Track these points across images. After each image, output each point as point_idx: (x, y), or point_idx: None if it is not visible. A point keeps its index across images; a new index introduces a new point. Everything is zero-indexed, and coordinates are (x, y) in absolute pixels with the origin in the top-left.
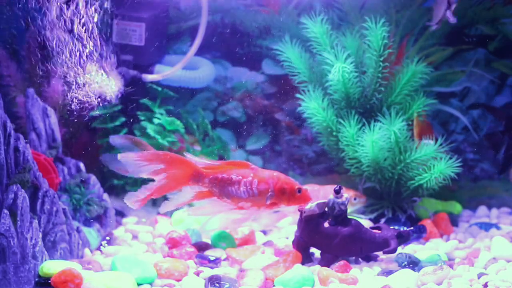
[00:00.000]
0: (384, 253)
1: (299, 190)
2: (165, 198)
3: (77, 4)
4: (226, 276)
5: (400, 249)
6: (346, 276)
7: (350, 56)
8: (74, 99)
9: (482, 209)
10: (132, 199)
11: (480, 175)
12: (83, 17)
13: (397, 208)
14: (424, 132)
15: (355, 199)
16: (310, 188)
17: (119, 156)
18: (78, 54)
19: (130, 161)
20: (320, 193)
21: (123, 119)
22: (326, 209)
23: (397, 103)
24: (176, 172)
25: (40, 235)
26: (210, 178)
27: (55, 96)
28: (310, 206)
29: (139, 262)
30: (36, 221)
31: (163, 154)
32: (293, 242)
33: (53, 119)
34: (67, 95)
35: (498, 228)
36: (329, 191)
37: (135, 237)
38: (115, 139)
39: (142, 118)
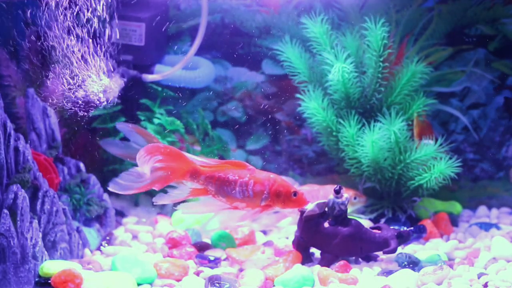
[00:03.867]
0: (384, 253)
1: (295, 193)
2: (162, 192)
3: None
4: (226, 276)
5: (400, 249)
6: (346, 276)
7: (350, 56)
8: (74, 100)
9: (482, 209)
10: (128, 186)
11: (480, 175)
12: (83, 17)
13: (397, 208)
14: (424, 132)
15: (355, 198)
16: (310, 188)
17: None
18: (78, 54)
19: (141, 159)
20: (320, 193)
21: (123, 119)
22: (326, 209)
23: (397, 103)
24: (173, 165)
25: (40, 235)
26: (206, 176)
27: (55, 96)
28: (310, 206)
29: (139, 262)
30: (36, 221)
31: (164, 147)
32: (293, 242)
33: (53, 119)
34: (66, 96)
35: (498, 228)
36: (329, 191)
37: (135, 237)
38: (122, 126)
39: (142, 118)
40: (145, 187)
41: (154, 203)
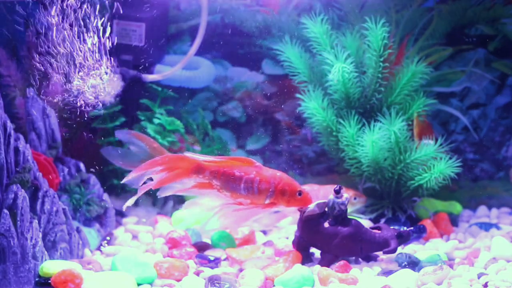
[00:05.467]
0: (384, 253)
1: (300, 192)
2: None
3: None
4: (226, 276)
5: (400, 249)
6: (346, 276)
7: (350, 56)
8: (74, 100)
9: (482, 209)
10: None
11: (480, 175)
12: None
13: (397, 208)
14: (424, 132)
15: (355, 199)
16: (310, 188)
17: (124, 180)
18: (78, 55)
19: (134, 178)
20: (320, 193)
21: (123, 119)
22: (326, 209)
23: (397, 103)
24: (176, 169)
25: (40, 235)
26: (211, 171)
27: (55, 97)
28: (310, 206)
29: (139, 262)
30: (36, 221)
31: (161, 159)
32: (293, 242)
33: (53, 119)
34: (66, 96)
35: (498, 228)
36: (329, 191)
37: (135, 237)
38: (121, 134)
39: (142, 118)
40: (148, 186)
41: (158, 196)
